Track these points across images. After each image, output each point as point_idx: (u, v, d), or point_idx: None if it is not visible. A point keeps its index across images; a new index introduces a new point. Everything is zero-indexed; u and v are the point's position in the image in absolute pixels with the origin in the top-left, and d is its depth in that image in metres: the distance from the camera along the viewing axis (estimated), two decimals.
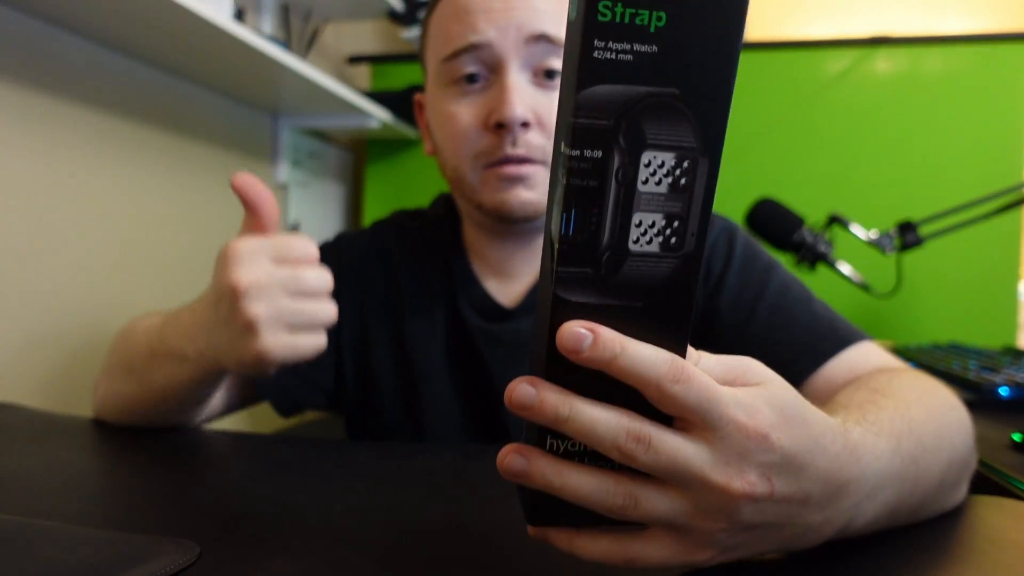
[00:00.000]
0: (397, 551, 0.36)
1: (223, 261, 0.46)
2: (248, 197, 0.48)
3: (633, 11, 0.23)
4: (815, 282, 1.19)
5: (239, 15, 1.12)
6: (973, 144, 1.45)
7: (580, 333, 0.26)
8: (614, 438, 0.26)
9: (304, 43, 1.45)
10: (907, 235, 1.14)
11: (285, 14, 1.39)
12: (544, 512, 0.30)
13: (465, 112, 0.60)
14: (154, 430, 0.59)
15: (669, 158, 0.25)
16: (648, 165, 0.25)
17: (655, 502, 0.28)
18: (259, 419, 1.37)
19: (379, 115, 1.44)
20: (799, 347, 0.57)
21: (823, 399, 0.51)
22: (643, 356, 0.26)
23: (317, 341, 0.48)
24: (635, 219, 0.26)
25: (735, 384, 0.29)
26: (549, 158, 0.60)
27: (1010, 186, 1.26)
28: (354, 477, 0.48)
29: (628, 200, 0.25)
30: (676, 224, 0.26)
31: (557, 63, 0.59)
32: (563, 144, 0.25)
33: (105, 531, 0.36)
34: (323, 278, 0.47)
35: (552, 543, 0.31)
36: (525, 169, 0.59)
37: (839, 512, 0.31)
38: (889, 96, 1.49)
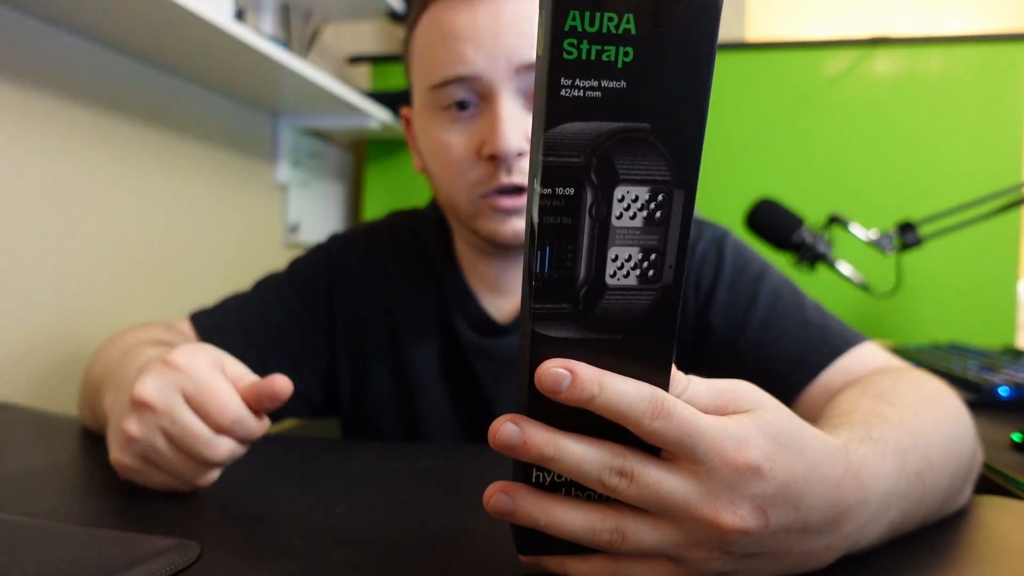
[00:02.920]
0: (398, 551, 0.35)
1: (160, 360, 0.42)
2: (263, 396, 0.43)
3: (599, 48, 0.23)
4: (815, 282, 1.19)
5: (239, 15, 1.12)
6: (973, 144, 1.45)
7: (558, 374, 0.25)
8: (598, 474, 0.26)
9: (304, 43, 1.44)
10: (907, 235, 1.14)
11: (285, 14, 1.39)
12: (534, 543, 0.30)
13: (457, 141, 0.58)
14: None
15: (643, 192, 0.25)
16: (622, 200, 0.25)
17: (643, 535, 0.27)
18: None
19: (379, 115, 1.44)
20: (792, 361, 0.56)
21: (822, 410, 0.50)
22: (622, 393, 0.26)
23: (173, 482, 0.43)
24: (611, 254, 0.25)
25: (727, 410, 0.28)
26: None
27: (1010, 186, 1.26)
28: (354, 477, 0.48)
29: (603, 235, 0.25)
30: (653, 257, 0.26)
31: None
32: (535, 182, 0.25)
33: (105, 531, 0.36)
34: (214, 446, 0.41)
35: (544, 568, 0.31)
36: (522, 201, 0.58)
37: (842, 537, 0.30)
38: (889, 96, 1.49)
